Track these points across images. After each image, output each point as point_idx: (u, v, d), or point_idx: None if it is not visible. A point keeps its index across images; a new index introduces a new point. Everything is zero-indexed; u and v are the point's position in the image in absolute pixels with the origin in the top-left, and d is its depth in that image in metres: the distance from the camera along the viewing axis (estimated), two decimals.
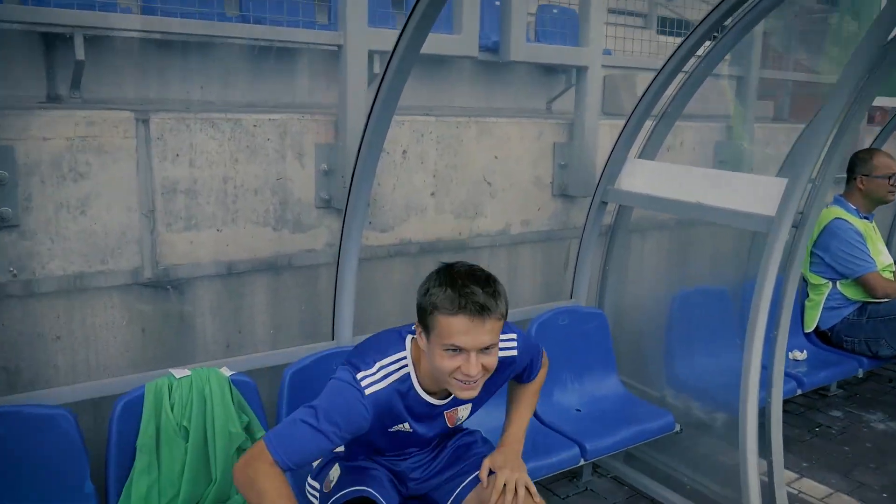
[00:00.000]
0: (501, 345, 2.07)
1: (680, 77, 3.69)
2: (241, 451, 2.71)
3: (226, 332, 3.22)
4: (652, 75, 3.65)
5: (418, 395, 2.09)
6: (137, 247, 2.96)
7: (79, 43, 3.19)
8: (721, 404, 3.89)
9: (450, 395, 2.13)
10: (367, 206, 3.03)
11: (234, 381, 2.76)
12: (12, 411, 2.43)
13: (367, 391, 2.01)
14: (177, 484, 2.58)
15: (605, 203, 3.87)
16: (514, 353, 2.22)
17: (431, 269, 3.62)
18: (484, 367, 1.91)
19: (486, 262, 3.91)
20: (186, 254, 3.08)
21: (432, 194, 3.70)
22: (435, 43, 3.76)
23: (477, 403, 2.24)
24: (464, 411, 2.26)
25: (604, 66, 4.14)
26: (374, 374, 2.03)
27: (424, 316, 1.93)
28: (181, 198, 3.03)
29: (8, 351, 2.79)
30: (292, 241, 3.32)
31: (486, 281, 1.91)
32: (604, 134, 4.13)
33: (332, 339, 3.09)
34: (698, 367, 4.02)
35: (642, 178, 3.78)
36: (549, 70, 5.03)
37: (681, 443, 3.69)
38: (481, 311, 1.84)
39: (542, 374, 2.49)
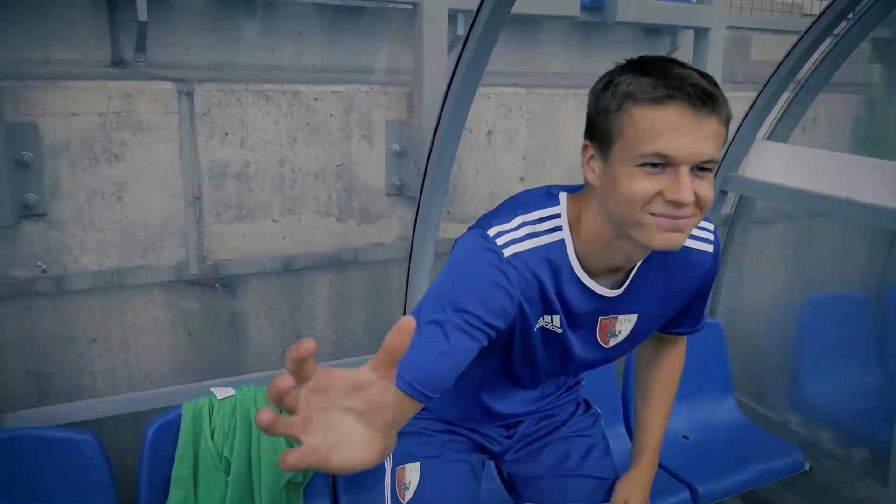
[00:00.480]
0: (697, 232, 1.43)
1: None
2: (292, 485, 2.32)
3: (283, 338, 2.83)
4: (771, 37, 3.02)
5: (575, 274, 1.36)
6: (182, 239, 2.58)
7: (141, 2, 2.81)
8: (860, 434, 3.29)
9: (616, 280, 1.42)
10: (445, 192, 2.59)
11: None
12: (32, 435, 2.10)
13: (507, 252, 1.32)
14: None
15: (724, 193, 3.28)
16: (711, 248, 1.46)
17: None
18: (698, 198, 1.19)
19: None
20: (237, 247, 2.68)
21: (522, 179, 3.18)
22: (528, 1, 3.23)
23: (644, 326, 1.50)
24: (624, 324, 1.49)
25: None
26: (514, 229, 1.35)
27: (605, 118, 1.22)
28: (231, 183, 2.62)
29: (38, 355, 2.47)
30: (359, 234, 2.88)
31: (700, 71, 1.21)
32: None
33: None
34: (832, 389, 3.41)
35: (774, 164, 3.17)
36: (652, 31, 4.38)
37: (805, 476, 3.12)
38: (704, 98, 1.15)
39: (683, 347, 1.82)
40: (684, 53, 3.84)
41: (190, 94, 2.51)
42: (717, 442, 3.03)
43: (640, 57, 1.25)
